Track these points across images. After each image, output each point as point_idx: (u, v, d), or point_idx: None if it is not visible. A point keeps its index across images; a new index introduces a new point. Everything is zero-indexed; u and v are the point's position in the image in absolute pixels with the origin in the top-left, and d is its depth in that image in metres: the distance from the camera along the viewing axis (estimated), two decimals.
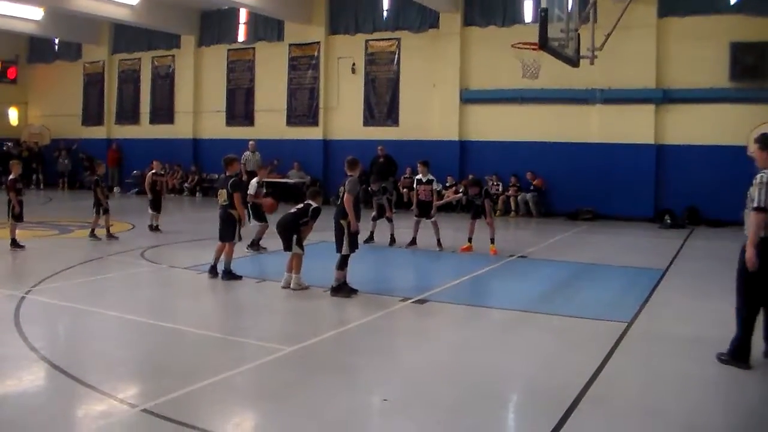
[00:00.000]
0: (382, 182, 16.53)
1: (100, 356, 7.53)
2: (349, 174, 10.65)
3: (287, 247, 10.92)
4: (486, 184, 18.29)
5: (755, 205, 7.02)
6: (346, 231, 10.37)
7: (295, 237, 10.82)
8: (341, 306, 10.17)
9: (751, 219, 7.07)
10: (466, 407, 6.17)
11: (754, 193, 7.08)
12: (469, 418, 5.93)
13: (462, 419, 5.89)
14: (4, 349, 7.55)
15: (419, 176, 15.87)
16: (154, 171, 18.10)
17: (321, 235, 11.81)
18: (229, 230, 11.68)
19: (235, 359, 7.42)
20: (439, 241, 15.17)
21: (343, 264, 10.49)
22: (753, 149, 7.51)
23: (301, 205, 11.13)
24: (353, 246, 10.51)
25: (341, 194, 10.53)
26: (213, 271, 11.72)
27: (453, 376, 7.05)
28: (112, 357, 7.48)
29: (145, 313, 9.41)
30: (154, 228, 17.36)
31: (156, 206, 17.53)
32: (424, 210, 15.55)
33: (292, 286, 10.84)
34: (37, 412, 5.90)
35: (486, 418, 5.97)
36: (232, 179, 11.81)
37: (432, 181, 15.75)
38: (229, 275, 11.55)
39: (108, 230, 15.95)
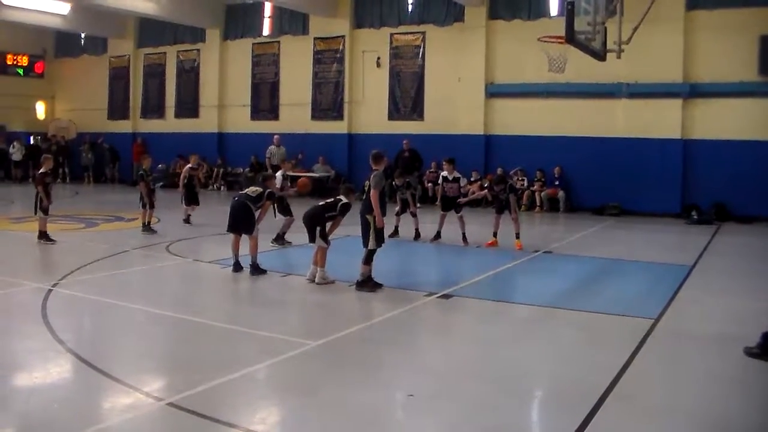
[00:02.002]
0: (407, 177, 16.47)
1: (126, 349, 7.59)
2: (374, 168, 10.63)
3: (311, 238, 10.96)
4: (511, 179, 18.17)
5: None
6: (372, 226, 10.37)
7: (319, 229, 10.84)
8: (366, 300, 10.16)
9: None
10: (491, 403, 6.14)
11: None
12: (495, 414, 5.90)
13: (487, 415, 5.86)
14: (31, 341, 7.63)
15: (445, 173, 15.66)
16: (190, 165, 18.15)
17: (347, 229, 11.78)
18: (250, 222, 11.67)
19: (260, 353, 7.43)
20: (464, 236, 15.14)
21: (368, 259, 10.48)
22: None
23: (331, 199, 11.15)
24: (379, 241, 10.51)
25: (366, 189, 10.53)
26: (237, 266, 11.72)
27: (478, 372, 7.03)
28: (137, 350, 7.54)
29: (171, 307, 9.46)
30: (187, 221, 17.53)
31: (191, 200, 17.66)
32: (449, 204, 15.42)
33: (316, 280, 10.85)
34: (63, 405, 5.94)
35: (511, 414, 5.95)
36: (270, 191, 12.00)
37: (458, 179, 15.57)
38: (256, 269, 11.56)
39: (148, 223, 16.13)
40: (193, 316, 9.00)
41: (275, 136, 25.63)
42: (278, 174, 14.75)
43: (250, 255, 11.58)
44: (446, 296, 10.23)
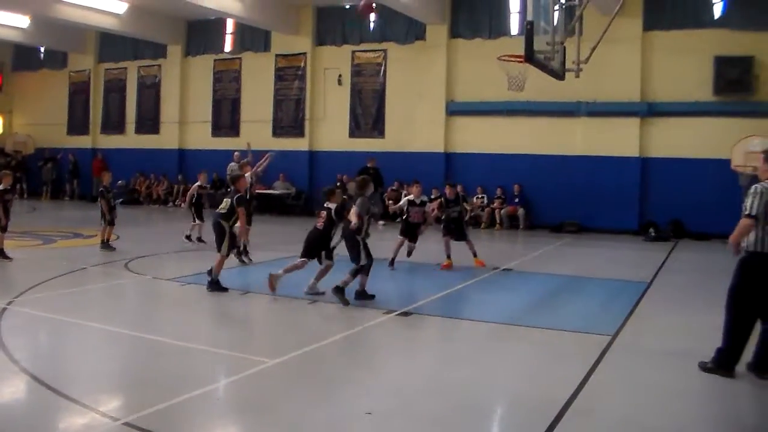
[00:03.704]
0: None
1: (82, 368, 7.48)
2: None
3: (320, 261, 11.22)
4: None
5: (746, 212, 7.12)
6: (361, 244, 10.77)
7: (324, 252, 11.18)
8: (325, 318, 10.15)
9: (740, 223, 7.17)
10: (450, 420, 6.15)
11: (746, 202, 7.18)
12: (454, 430, 5.91)
13: None
14: None
15: (411, 197, 14.85)
16: (199, 184, 17.89)
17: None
18: (221, 240, 11.70)
19: (218, 372, 7.39)
20: (393, 260, 14.49)
21: (356, 273, 10.75)
22: (737, 162, 7.66)
23: (324, 214, 11.24)
24: (369, 257, 10.83)
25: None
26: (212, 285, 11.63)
27: (437, 389, 7.03)
28: (94, 369, 7.43)
29: (128, 325, 9.35)
30: (199, 239, 17.12)
31: (200, 216, 17.21)
32: (412, 233, 14.73)
33: (308, 290, 11.07)
34: (17, 425, 5.84)
35: (471, 431, 5.96)
36: (239, 195, 11.87)
37: (425, 203, 14.98)
38: (215, 286, 11.49)
39: (107, 240, 15.90)
40: (151, 334, 8.91)
41: (235, 153, 25.50)
42: (246, 176, 14.78)
43: (213, 271, 11.55)
44: (405, 314, 10.23)
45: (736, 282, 7.34)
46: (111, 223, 15.90)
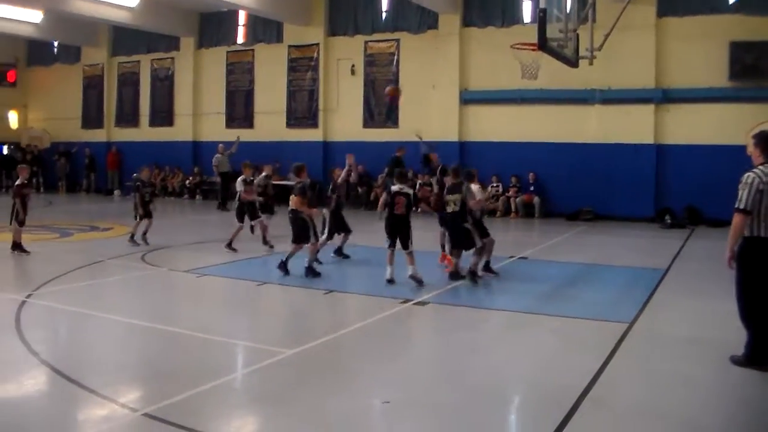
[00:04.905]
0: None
1: (101, 360, 7.53)
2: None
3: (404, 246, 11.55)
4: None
5: (738, 205, 7.02)
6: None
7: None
8: (342, 308, 10.20)
9: (733, 220, 7.09)
10: (467, 409, 6.16)
11: (739, 193, 7.08)
12: (471, 419, 5.92)
13: (464, 421, 5.88)
14: (4, 353, 7.56)
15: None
16: (243, 178, 17.62)
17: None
18: (303, 233, 12.00)
19: (236, 362, 7.44)
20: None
21: (480, 252, 11.76)
22: (749, 146, 7.53)
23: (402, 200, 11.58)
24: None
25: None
26: (283, 267, 11.99)
27: (454, 378, 7.05)
28: (112, 361, 7.49)
29: (146, 317, 9.40)
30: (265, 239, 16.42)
31: (264, 210, 16.38)
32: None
33: (413, 273, 11.33)
34: (37, 417, 5.91)
35: (488, 420, 5.97)
36: (300, 185, 12.12)
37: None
38: (310, 272, 11.90)
39: (140, 233, 15.63)
40: (169, 325, 8.96)
41: (219, 145, 25.68)
42: (239, 180, 14.91)
43: (308, 258, 12.13)
44: (422, 303, 10.25)
45: (740, 271, 7.21)
46: (149, 216, 15.70)
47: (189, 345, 8.16)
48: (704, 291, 11.25)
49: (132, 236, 15.59)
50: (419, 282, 11.18)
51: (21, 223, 14.09)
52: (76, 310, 9.64)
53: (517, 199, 22.99)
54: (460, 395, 6.51)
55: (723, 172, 20.06)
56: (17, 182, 14.35)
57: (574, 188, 22.52)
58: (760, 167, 7.12)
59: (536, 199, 22.85)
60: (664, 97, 21.48)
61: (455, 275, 11.66)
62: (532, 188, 23.09)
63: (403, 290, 10.94)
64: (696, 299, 10.76)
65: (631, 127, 21.79)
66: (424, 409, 6.17)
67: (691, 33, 20.93)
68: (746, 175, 7.10)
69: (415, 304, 10.17)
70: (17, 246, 14.11)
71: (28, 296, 10.25)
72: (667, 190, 21.63)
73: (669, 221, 20.68)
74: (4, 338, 8.09)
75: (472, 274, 11.35)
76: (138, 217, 15.75)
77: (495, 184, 23.41)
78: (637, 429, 5.79)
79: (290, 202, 12.02)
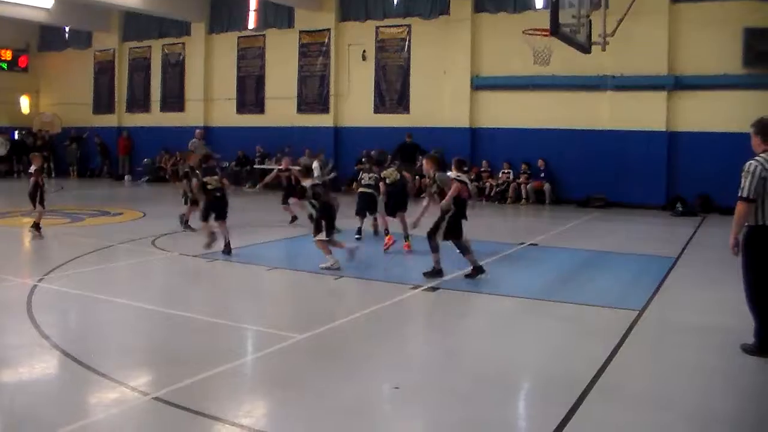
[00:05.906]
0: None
1: (112, 344, 7.58)
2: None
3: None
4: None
5: (742, 194, 7.01)
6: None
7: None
8: (352, 293, 10.21)
9: (737, 208, 7.05)
10: (477, 395, 6.17)
11: (742, 182, 7.06)
12: (480, 405, 5.93)
13: (472, 406, 5.89)
14: (16, 337, 7.60)
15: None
16: (281, 167, 17.59)
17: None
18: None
19: (246, 347, 7.46)
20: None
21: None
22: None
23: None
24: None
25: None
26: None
27: (464, 364, 7.06)
28: (123, 345, 7.53)
29: (156, 301, 9.44)
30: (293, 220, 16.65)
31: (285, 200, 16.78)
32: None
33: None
34: (48, 400, 5.94)
35: (496, 406, 5.97)
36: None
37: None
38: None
39: (186, 221, 15.58)
40: (180, 310, 8.98)
41: (197, 130, 25.76)
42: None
43: None
44: (432, 288, 10.25)
45: (746, 260, 7.20)
46: (195, 203, 15.17)
47: (199, 329, 8.19)
48: (715, 279, 11.18)
49: (186, 222, 15.54)
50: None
51: (42, 204, 14.34)
52: (87, 294, 9.67)
53: (528, 186, 22.93)
54: (470, 381, 6.52)
55: (735, 160, 19.62)
56: (35, 168, 14.45)
57: (585, 175, 22.44)
58: (762, 155, 7.11)
59: (547, 186, 22.78)
60: (676, 83, 21.33)
61: (434, 273, 10.95)
62: (542, 175, 23.02)
63: (413, 276, 10.94)
64: (706, 287, 10.72)
65: (644, 114, 21.67)
66: (433, 394, 6.19)
67: (705, 19, 20.75)
68: (748, 163, 7.10)
69: (425, 290, 10.18)
70: (37, 226, 14.28)
71: (40, 280, 10.30)
72: (679, 178, 21.52)
73: (680, 209, 20.58)
74: (15, 322, 8.13)
75: (477, 269, 11.07)
76: (189, 202, 15.53)
77: (506, 171, 23.36)
78: (646, 416, 5.77)
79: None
